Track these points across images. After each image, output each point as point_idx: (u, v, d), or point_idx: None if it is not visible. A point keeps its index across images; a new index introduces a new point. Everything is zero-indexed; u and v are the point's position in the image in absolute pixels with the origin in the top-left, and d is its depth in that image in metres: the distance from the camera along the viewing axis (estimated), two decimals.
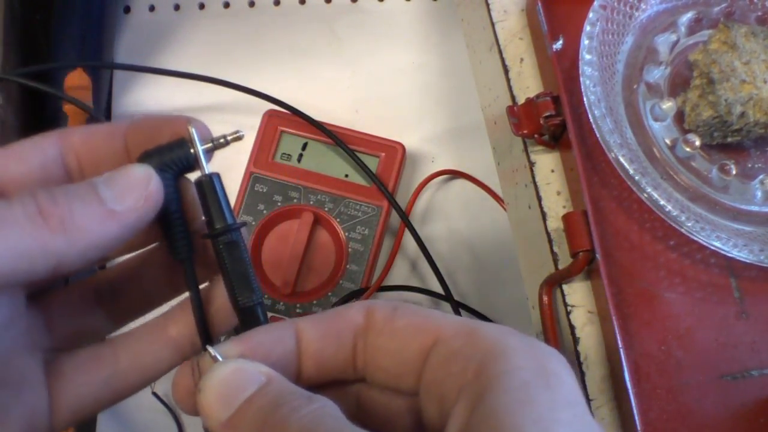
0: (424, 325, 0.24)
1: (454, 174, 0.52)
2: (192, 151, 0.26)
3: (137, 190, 0.24)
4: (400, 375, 0.25)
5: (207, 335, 0.27)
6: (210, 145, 0.27)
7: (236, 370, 0.23)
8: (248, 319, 0.27)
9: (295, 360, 0.25)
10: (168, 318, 0.28)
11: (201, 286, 0.27)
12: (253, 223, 0.49)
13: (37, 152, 0.26)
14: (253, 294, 0.27)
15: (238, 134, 0.27)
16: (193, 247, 0.27)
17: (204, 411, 0.23)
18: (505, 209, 0.49)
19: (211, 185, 0.27)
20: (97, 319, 0.28)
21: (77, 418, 0.26)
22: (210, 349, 0.24)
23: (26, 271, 0.22)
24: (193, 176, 0.27)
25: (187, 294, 0.27)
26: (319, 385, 0.25)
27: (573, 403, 0.22)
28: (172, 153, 0.26)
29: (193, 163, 0.27)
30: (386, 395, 0.26)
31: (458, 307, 0.47)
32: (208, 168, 0.27)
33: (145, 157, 0.26)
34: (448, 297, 0.47)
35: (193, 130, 0.26)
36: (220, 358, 0.24)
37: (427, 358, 0.24)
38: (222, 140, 0.27)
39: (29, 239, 0.22)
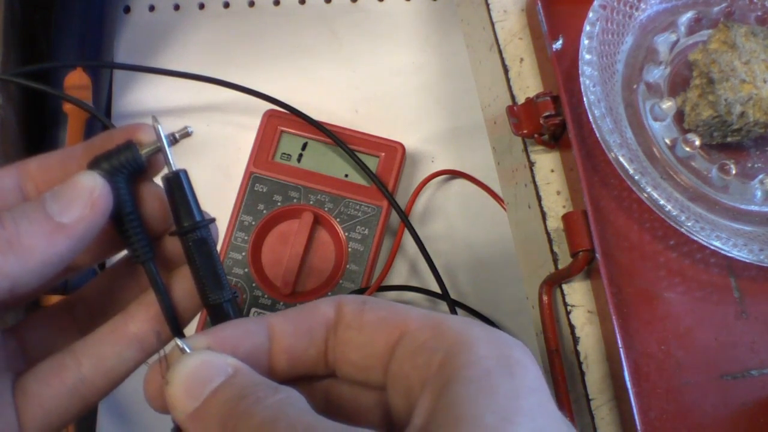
0: (391, 319, 0.25)
1: (454, 174, 0.52)
2: (141, 152, 0.26)
3: (82, 198, 0.24)
4: (368, 368, 0.25)
5: (179, 332, 0.27)
6: (156, 145, 0.26)
7: (203, 362, 0.23)
8: (218, 315, 0.27)
9: (265, 354, 0.25)
10: (126, 316, 0.27)
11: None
12: (253, 223, 0.49)
13: None
14: (223, 291, 0.27)
15: (186, 130, 0.27)
16: (154, 247, 0.27)
17: (171, 402, 0.23)
18: (505, 209, 0.49)
19: (177, 182, 0.27)
20: (73, 339, 0.27)
21: (48, 431, 0.26)
22: (178, 341, 0.24)
23: None
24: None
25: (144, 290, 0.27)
26: (289, 380, 0.25)
27: (535, 390, 0.22)
28: (120, 156, 0.26)
29: (144, 164, 0.26)
30: (355, 390, 0.26)
31: (455, 305, 0.47)
32: (175, 165, 0.27)
33: (93, 164, 0.25)
34: (444, 295, 0.47)
35: (159, 128, 0.26)
36: (188, 350, 0.24)
37: (394, 351, 0.24)
38: (171, 138, 0.27)
39: None
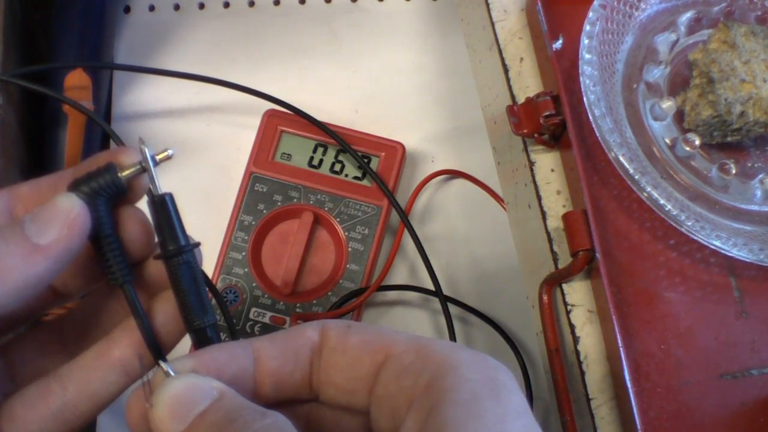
0: (375, 342, 0.25)
1: (454, 174, 0.52)
2: (122, 175, 0.26)
3: (60, 219, 0.24)
4: (352, 391, 0.25)
5: (160, 355, 0.27)
6: (138, 167, 0.26)
7: (188, 385, 0.23)
8: (202, 339, 0.27)
9: (250, 378, 0.25)
10: (110, 340, 0.27)
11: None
12: (253, 223, 0.49)
13: None
14: (206, 315, 0.27)
15: (166, 153, 0.27)
16: (135, 271, 0.27)
17: (156, 426, 0.23)
18: (504, 209, 0.49)
19: (163, 205, 0.27)
20: (61, 362, 0.28)
21: None
22: (162, 364, 0.24)
23: None
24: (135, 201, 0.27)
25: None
26: (273, 405, 0.25)
27: (521, 414, 0.22)
28: (100, 178, 0.26)
29: (124, 187, 0.26)
30: (337, 414, 0.26)
31: (446, 301, 0.47)
32: (160, 188, 0.26)
33: (72, 186, 0.25)
34: (437, 292, 0.47)
35: (145, 149, 0.26)
36: (173, 374, 0.24)
37: (379, 373, 0.24)
38: (151, 161, 0.26)
39: None
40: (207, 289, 0.27)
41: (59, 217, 0.24)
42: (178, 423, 0.22)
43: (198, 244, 0.27)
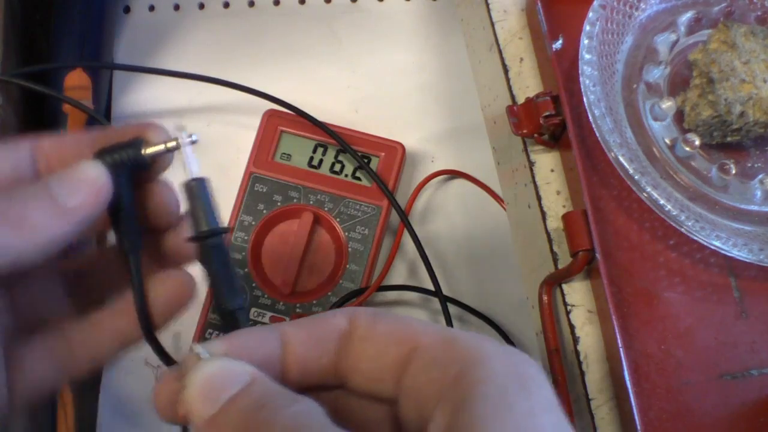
0: (404, 333, 0.25)
1: (454, 174, 0.52)
2: (144, 152, 0.27)
3: (87, 186, 0.26)
4: (379, 380, 0.25)
5: (148, 328, 0.28)
6: (162, 148, 0.27)
7: (222, 368, 0.23)
8: (232, 322, 0.27)
9: (278, 363, 0.25)
10: (114, 310, 0.29)
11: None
12: (253, 223, 0.49)
13: (10, 155, 0.27)
14: (236, 298, 0.27)
15: (192, 137, 0.28)
16: (142, 243, 0.28)
17: (188, 407, 0.23)
18: (504, 209, 0.49)
19: (198, 189, 0.28)
20: (61, 306, 0.29)
21: (33, 399, 0.28)
22: (195, 346, 0.24)
23: None
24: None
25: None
26: (299, 391, 0.25)
27: (551, 408, 0.22)
28: (126, 151, 0.27)
29: (147, 163, 0.27)
30: (363, 403, 0.26)
31: (446, 301, 0.47)
32: (197, 171, 0.28)
33: (99, 155, 0.27)
34: (437, 292, 0.47)
35: (184, 134, 0.27)
36: (206, 356, 0.24)
37: (407, 364, 0.24)
38: (175, 145, 0.28)
39: None
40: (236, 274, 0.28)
41: (87, 184, 0.26)
42: (210, 405, 0.23)
43: (228, 229, 0.28)
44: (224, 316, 0.28)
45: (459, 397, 0.22)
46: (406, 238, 0.49)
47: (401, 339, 0.25)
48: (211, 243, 0.27)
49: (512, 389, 0.22)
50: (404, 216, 0.48)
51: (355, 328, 0.25)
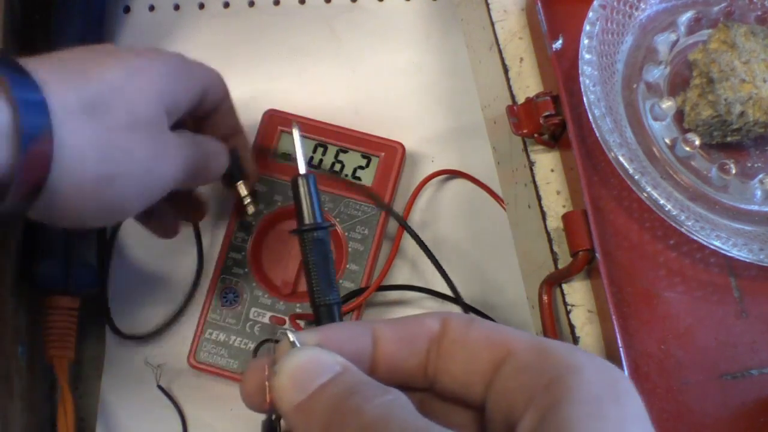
0: (497, 338, 0.25)
1: (453, 173, 0.51)
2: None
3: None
4: (469, 384, 0.25)
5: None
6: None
7: (313, 357, 0.24)
8: (326, 315, 0.29)
9: (368, 359, 0.26)
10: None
11: None
12: (253, 223, 0.49)
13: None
14: (332, 293, 0.29)
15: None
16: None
17: (277, 393, 0.23)
18: (504, 209, 0.49)
19: (305, 184, 0.30)
20: None
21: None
22: (289, 334, 0.25)
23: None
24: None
25: None
26: None
27: (641, 419, 0.22)
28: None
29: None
30: (449, 407, 0.27)
31: (468, 310, 0.47)
32: (305, 168, 0.30)
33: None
34: (457, 299, 0.47)
35: (297, 132, 0.31)
36: (298, 344, 0.24)
37: (499, 369, 0.25)
38: (300, 143, 0.32)
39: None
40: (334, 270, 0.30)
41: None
42: (299, 392, 0.23)
43: (332, 225, 0.29)
44: (321, 310, 0.29)
45: (551, 402, 0.22)
46: (407, 238, 0.49)
47: (494, 344, 0.25)
48: (314, 236, 0.29)
49: (605, 398, 0.22)
50: (403, 221, 0.48)
51: (447, 332, 0.26)
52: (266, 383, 0.24)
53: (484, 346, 0.25)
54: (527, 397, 0.23)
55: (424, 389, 0.26)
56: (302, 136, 0.30)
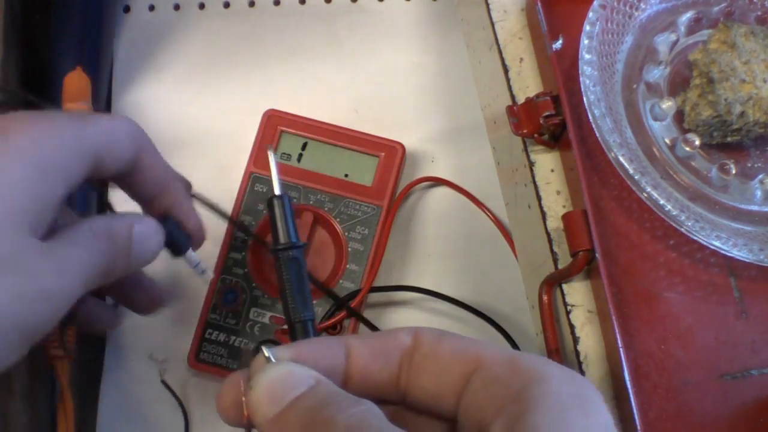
0: (467, 351, 0.26)
1: (437, 182, 0.51)
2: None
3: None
4: (440, 396, 0.26)
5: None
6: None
7: (287, 371, 0.25)
8: (300, 332, 0.30)
9: (341, 373, 0.26)
10: None
11: None
12: (253, 223, 0.49)
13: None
14: (306, 310, 0.30)
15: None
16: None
17: (253, 407, 0.24)
18: (489, 216, 0.49)
19: (279, 204, 0.31)
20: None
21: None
22: (264, 349, 0.25)
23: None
24: None
25: None
26: None
27: (607, 428, 0.23)
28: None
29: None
30: (422, 419, 0.27)
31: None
32: (279, 189, 0.31)
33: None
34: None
35: (271, 155, 0.31)
36: (273, 360, 0.25)
37: (469, 381, 0.25)
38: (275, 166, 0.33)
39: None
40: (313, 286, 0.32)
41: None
42: (274, 405, 0.24)
43: (306, 244, 0.29)
44: (295, 327, 0.30)
45: (519, 411, 0.22)
46: (412, 236, 0.49)
47: (465, 357, 0.25)
48: (289, 255, 0.30)
49: (571, 407, 0.23)
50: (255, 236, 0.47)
51: (419, 345, 0.26)
52: (242, 398, 0.25)
53: (455, 359, 0.26)
54: (497, 407, 0.23)
55: (396, 402, 0.27)
56: (277, 162, 0.31)
